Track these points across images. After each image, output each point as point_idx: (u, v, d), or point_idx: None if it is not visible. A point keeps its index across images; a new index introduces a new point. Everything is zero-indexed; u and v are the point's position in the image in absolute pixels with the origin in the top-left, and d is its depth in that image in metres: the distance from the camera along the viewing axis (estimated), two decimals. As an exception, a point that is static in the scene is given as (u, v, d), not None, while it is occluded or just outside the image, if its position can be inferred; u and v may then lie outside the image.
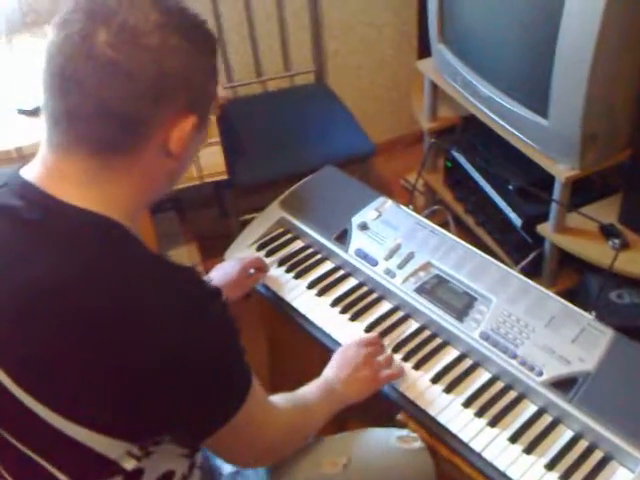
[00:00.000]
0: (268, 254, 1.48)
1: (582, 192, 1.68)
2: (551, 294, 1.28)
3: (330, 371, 1.15)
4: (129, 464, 0.77)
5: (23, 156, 1.46)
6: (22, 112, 1.56)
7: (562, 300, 1.26)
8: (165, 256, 0.78)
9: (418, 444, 1.10)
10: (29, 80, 1.65)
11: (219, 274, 1.37)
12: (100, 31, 0.72)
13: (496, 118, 1.73)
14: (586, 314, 1.23)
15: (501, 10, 1.66)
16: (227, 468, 1.04)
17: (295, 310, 1.37)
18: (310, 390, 1.08)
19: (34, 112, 1.55)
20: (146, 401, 0.74)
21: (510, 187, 1.79)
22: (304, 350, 1.38)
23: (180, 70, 0.76)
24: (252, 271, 1.41)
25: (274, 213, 1.56)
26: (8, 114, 1.57)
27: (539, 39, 1.53)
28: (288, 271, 1.44)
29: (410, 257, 1.38)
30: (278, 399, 0.99)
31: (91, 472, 0.77)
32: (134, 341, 0.72)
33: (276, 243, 1.51)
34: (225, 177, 1.65)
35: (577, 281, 1.70)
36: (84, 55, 0.72)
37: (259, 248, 1.50)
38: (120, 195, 0.78)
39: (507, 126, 1.70)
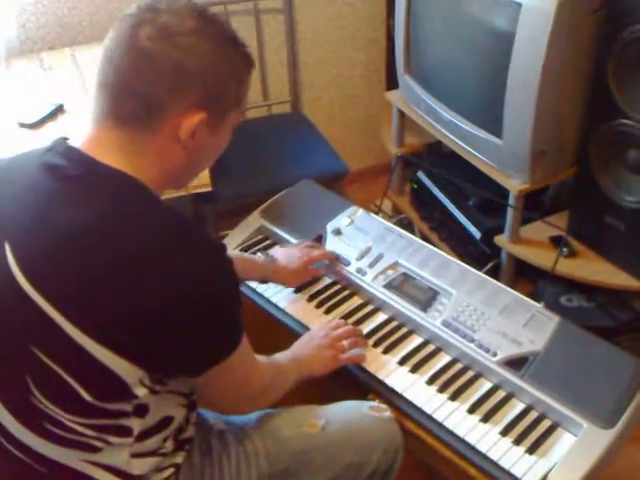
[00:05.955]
0: (249, 258, 1.61)
1: (536, 207, 1.85)
2: (504, 287, 1.43)
3: (298, 346, 1.28)
4: (140, 392, 0.90)
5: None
6: (23, 125, 1.69)
7: (514, 292, 1.41)
8: (182, 214, 0.91)
9: (387, 414, 1.22)
10: (29, 98, 1.79)
11: (282, 254, 1.45)
12: (145, 26, 0.88)
13: (457, 140, 1.91)
14: (535, 303, 1.38)
15: (460, 43, 1.86)
16: (218, 426, 1.15)
17: (274, 306, 1.48)
18: (282, 357, 1.22)
19: (34, 125, 1.68)
20: (162, 331, 0.86)
21: (470, 203, 1.96)
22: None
23: (199, 71, 0.90)
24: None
25: (255, 221, 1.69)
26: (9, 128, 1.69)
27: (493, 68, 1.72)
28: (268, 272, 1.57)
29: (380, 257, 1.52)
30: (259, 357, 1.12)
31: (109, 392, 0.89)
32: (150, 281, 0.84)
33: (256, 248, 1.63)
34: (209, 189, 1.77)
35: (532, 289, 1.86)
36: (127, 42, 0.89)
37: (240, 252, 1.62)
38: (144, 168, 0.91)
39: (466, 147, 1.87)
